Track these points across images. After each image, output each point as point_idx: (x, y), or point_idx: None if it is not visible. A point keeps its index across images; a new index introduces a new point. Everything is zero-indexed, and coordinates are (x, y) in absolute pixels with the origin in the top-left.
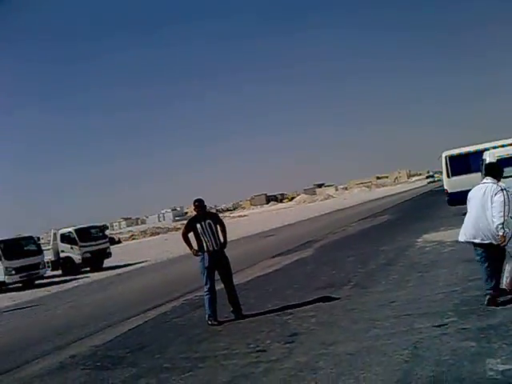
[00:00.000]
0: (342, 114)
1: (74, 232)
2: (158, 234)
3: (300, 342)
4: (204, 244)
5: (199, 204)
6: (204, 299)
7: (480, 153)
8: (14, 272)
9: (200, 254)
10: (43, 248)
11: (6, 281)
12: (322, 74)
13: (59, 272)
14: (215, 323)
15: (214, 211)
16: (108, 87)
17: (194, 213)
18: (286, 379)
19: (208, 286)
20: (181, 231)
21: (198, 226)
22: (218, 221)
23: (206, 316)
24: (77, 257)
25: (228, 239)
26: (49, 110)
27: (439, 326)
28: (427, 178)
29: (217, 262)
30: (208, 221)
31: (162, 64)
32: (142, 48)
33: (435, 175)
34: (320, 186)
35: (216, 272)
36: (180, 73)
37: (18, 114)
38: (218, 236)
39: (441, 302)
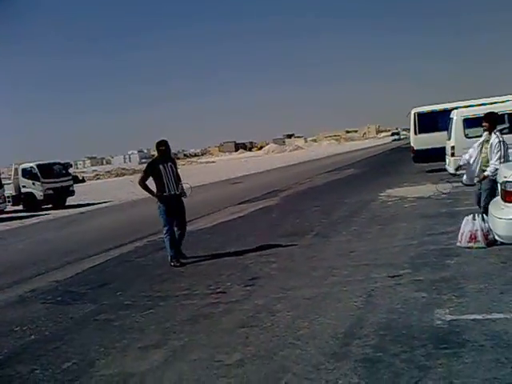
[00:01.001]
0: (316, 69)
1: (36, 167)
2: (124, 175)
3: (259, 285)
4: (166, 187)
5: (166, 146)
6: (164, 241)
7: (448, 112)
8: None
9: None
10: (4, 183)
11: None
12: (298, 29)
13: (20, 208)
14: (177, 264)
15: (181, 156)
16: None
17: None
18: (244, 320)
19: (167, 227)
20: (138, 177)
21: (162, 167)
22: (176, 166)
23: (169, 257)
24: (39, 193)
25: (195, 184)
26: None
27: (394, 276)
28: (392, 135)
29: (176, 205)
30: (170, 163)
31: None
32: None
33: (401, 132)
34: (290, 136)
35: None
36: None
37: None
38: (178, 181)
39: (398, 254)
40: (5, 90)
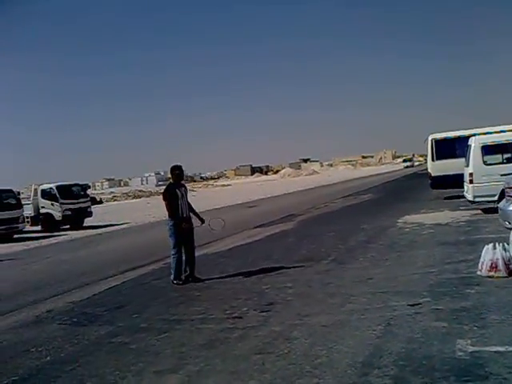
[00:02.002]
0: (333, 94)
1: (55, 188)
2: (141, 197)
3: (276, 311)
4: (180, 210)
5: (180, 172)
6: (171, 261)
7: (466, 138)
8: None
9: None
10: (23, 203)
11: None
12: (315, 52)
13: (38, 228)
14: (180, 282)
15: (198, 178)
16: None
17: None
18: (261, 346)
19: (176, 248)
20: (164, 205)
21: (178, 192)
22: (186, 191)
23: (172, 276)
24: (57, 214)
25: (211, 207)
26: (41, 69)
27: (413, 305)
28: (404, 161)
29: (187, 228)
30: (183, 188)
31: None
32: None
33: (417, 158)
34: (306, 161)
35: None
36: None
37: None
38: (189, 208)
39: (417, 282)
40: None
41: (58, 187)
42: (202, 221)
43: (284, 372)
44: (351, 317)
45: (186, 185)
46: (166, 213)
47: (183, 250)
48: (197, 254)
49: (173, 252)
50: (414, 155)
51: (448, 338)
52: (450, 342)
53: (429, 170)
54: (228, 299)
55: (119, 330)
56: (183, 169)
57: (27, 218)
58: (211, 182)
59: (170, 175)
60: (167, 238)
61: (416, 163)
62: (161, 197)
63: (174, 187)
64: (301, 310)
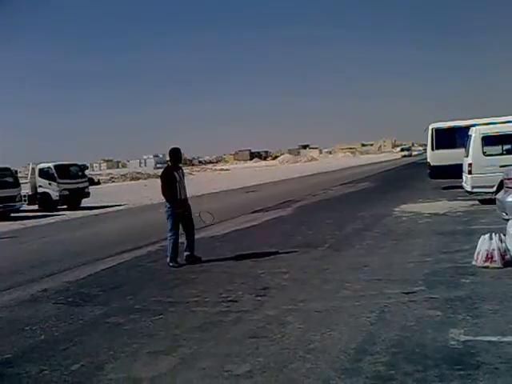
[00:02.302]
0: (334, 82)
1: (52, 168)
2: (139, 179)
3: (271, 295)
4: (178, 192)
5: (179, 154)
6: (168, 243)
7: (466, 129)
8: None
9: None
10: (21, 182)
11: None
12: (315, 41)
13: (36, 207)
14: (176, 265)
15: (196, 162)
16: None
17: None
18: (255, 330)
19: (174, 230)
20: (160, 184)
21: (176, 174)
22: (184, 174)
23: (168, 258)
24: (54, 193)
25: (209, 191)
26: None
27: (408, 293)
28: (402, 150)
29: (184, 210)
30: (180, 171)
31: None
32: None
33: (417, 148)
34: (305, 147)
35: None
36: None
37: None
38: (185, 190)
39: (412, 270)
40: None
41: (55, 166)
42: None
43: (277, 356)
44: (345, 303)
45: (184, 168)
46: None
47: (181, 232)
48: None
49: (170, 234)
50: (413, 144)
51: (441, 327)
52: (443, 330)
53: (428, 160)
54: (223, 283)
55: (114, 310)
56: (181, 152)
57: (25, 196)
58: (210, 166)
59: (168, 158)
60: (164, 220)
61: (415, 153)
62: (159, 179)
63: (172, 170)
64: (296, 295)
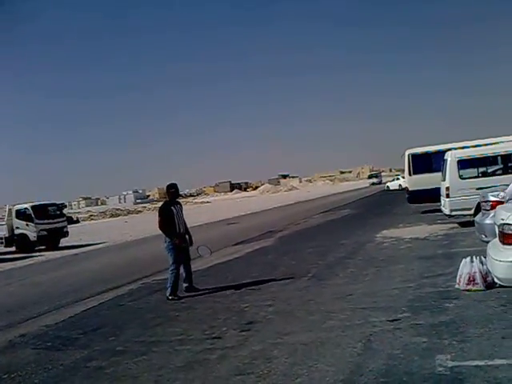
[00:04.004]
0: (310, 109)
1: (30, 208)
2: (119, 215)
3: (256, 330)
4: (176, 227)
5: (176, 189)
6: (169, 276)
7: (442, 153)
8: None
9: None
10: None
11: None
12: (291, 67)
13: (13, 249)
14: (176, 298)
15: None
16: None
17: (157, 196)
18: (241, 367)
19: (175, 264)
20: (157, 221)
21: (173, 209)
22: (182, 208)
23: (169, 290)
24: (32, 234)
25: (191, 225)
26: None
27: (393, 320)
28: (369, 177)
29: (183, 242)
30: (178, 205)
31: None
32: None
33: (380, 175)
34: (284, 177)
35: None
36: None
37: None
38: (185, 224)
39: (396, 297)
40: None
41: (33, 207)
42: (191, 243)
43: None
44: (331, 334)
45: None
46: (143, 231)
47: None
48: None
49: (172, 268)
50: (390, 170)
51: (428, 354)
52: (429, 357)
53: (406, 185)
54: (207, 319)
55: (95, 353)
56: (178, 187)
57: (1, 239)
58: (190, 199)
59: (149, 193)
60: (165, 254)
61: (379, 181)
62: (139, 215)
63: (170, 204)
64: (281, 328)
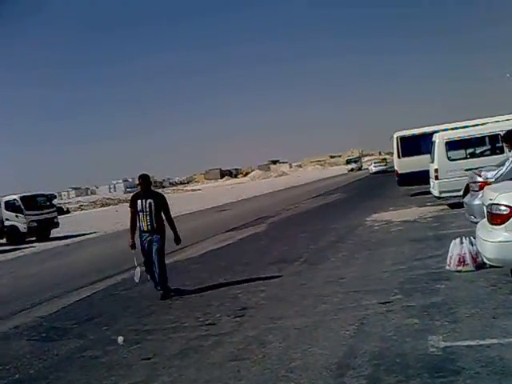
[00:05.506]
0: (299, 93)
1: (19, 200)
2: (109, 205)
3: (250, 315)
4: (139, 223)
5: (143, 181)
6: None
7: (430, 135)
8: None
9: (133, 250)
10: None
11: None
12: (284, 53)
13: (3, 241)
14: (158, 288)
15: (167, 184)
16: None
17: None
18: (235, 353)
19: (143, 260)
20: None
21: (139, 202)
22: (163, 206)
23: (154, 284)
24: (22, 225)
25: (182, 212)
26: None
27: (385, 302)
28: (347, 163)
29: (148, 244)
30: (149, 200)
31: None
32: None
33: (359, 159)
34: (275, 162)
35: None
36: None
37: None
38: (156, 219)
39: (387, 279)
40: None
41: (22, 198)
42: (178, 241)
43: (259, 378)
44: (324, 317)
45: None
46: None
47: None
48: (168, 261)
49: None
50: (380, 153)
51: (420, 335)
52: (422, 338)
53: (395, 168)
54: (201, 306)
55: (90, 343)
56: (148, 178)
57: None
58: (181, 186)
59: (138, 182)
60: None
61: (357, 166)
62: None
63: (137, 197)
64: (274, 313)
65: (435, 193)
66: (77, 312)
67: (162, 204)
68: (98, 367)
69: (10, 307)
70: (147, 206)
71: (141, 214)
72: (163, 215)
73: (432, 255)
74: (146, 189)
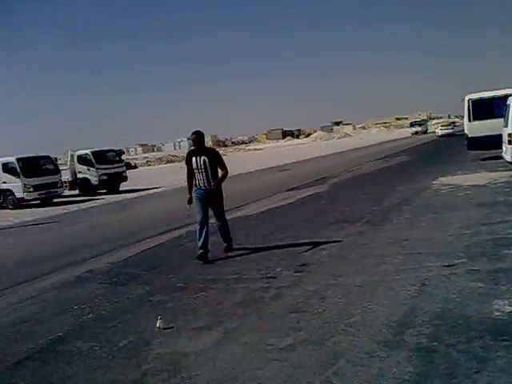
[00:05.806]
0: (364, 56)
1: (90, 154)
2: (174, 161)
3: (310, 271)
4: (195, 181)
5: (196, 137)
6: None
7: (504, 98)
8: (32, 189)
9: (188, 206)
10: (60, 169)
11: (25, 197)
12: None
13: (76, 192)
14: (198, 253)
15: (229, 143)
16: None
17: (210, 143)
18: (295, 305)
19: (199, 217)
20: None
21: (193, 159)
22: (219, 161)
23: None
24: (93, 178)
25: (244, 171)
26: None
27: (449, 265)
28: (411, 125)
29: (208, 200)
30: (203, 157)
31: None
32: None
33: (426, 122)
34: (338, 123)
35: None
36: None
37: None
38: (212, 176)
39: (452, 243)
40: (56, 75)
41: (93, 153)
42: (216, 185)
43: (319, 330)
44: (385, 277)
45: (218, 149)
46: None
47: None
48: (229, 217)
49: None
50: (449, 116)
51: (485, 299)
52: (486, 302)
53: (465, 131)
54: (262, 260)
55: (157, 289)
56: (201, 135)
57: (65, 182)
58: (242, 146)
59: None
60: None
61: (423, 129)
62: None
63: (192, 154)
64: (335, 270)
65: (508, 158)
66: (144, 260)
67: (216, 160)
68: (166, 311)
69: (82, 253)
70: (202, 163)
71: (196, 171)
72: (219, 170)
73: (501, 220)
74: (199, 145)
